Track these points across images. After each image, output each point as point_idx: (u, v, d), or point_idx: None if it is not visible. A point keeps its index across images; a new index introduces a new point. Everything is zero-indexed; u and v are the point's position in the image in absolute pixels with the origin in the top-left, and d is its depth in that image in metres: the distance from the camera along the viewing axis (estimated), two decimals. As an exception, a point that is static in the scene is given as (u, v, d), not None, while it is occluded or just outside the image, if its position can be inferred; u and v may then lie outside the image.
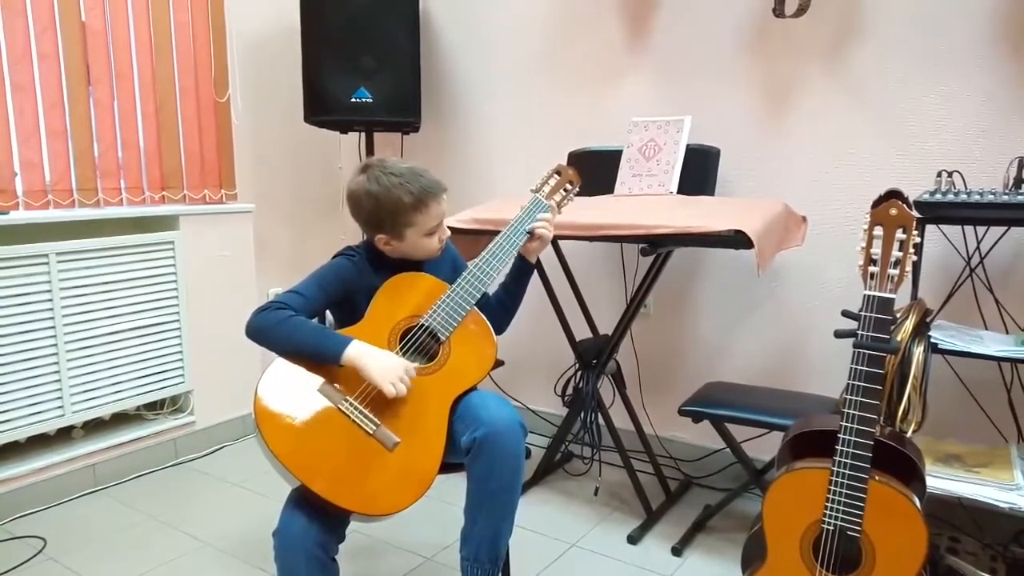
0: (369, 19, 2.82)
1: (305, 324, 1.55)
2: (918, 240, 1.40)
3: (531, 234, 1.76)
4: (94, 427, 2.65)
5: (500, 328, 1.82)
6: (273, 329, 1.53)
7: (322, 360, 1.52)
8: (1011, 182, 1.89)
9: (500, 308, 1.82)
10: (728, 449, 2.22)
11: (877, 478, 1.37)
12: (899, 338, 1.66)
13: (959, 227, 2.09)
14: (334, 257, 1.72)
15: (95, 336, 2.51)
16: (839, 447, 1.38)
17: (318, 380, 1.51)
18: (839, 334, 1.45)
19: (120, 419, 2.72)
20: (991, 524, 2.01)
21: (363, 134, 3.15)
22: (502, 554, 1.56)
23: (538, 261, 1.85)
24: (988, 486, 1.66)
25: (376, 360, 1.51)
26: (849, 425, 1.37)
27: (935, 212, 1.77)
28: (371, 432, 1.47)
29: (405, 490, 1.45)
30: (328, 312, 1.75)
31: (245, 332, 1.56)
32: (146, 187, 2.71)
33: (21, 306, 2.32)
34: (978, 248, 2.08)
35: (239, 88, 3.02)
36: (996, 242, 2.06)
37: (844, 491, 1.37)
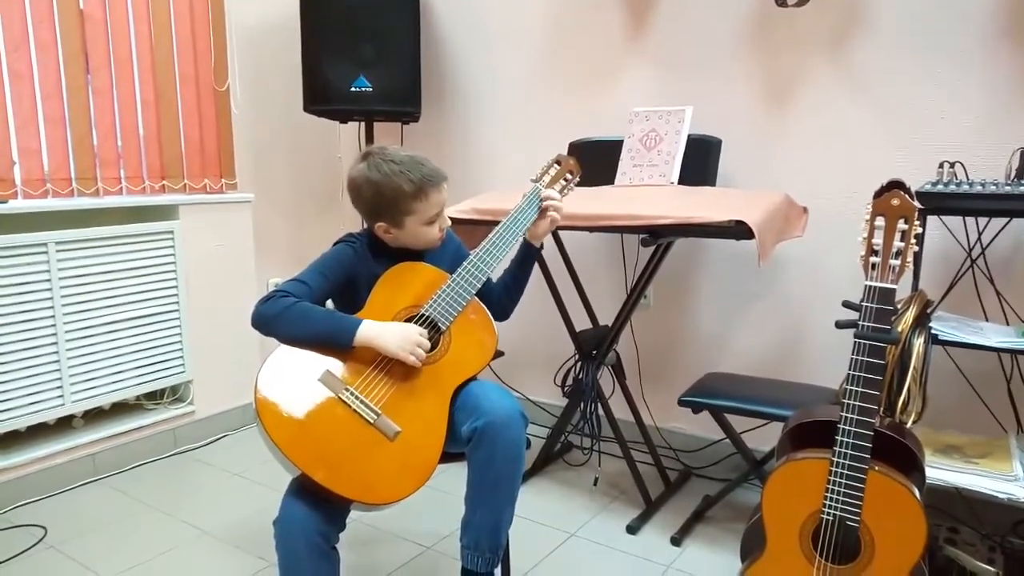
0: (369, 7, 2.81)
1: (313, 309, 1.55)
2: (920, 231, 1.39)
3: (541, 212, 1.77)
4: (94, 416, 2.65)
5: (505, 313, 1.82)
6: (279, 317, 1.53)
7: (334, 343, 1.53)
8: (1013, 173, 1.89)
9: (505, 293, 1.82)
10: (728, 439, 2.22)
11: (877, 469, 1.37)
12: (900, 329, 1.66)
13: (960, 218, 2.09)
14: (335, 244, 1.72)
15: (95, 325, 2.51)
16: (839, 437, 1.38)
17: (319, 369, 1.51)
18: (840, 324, 1.45)
19: (120, 408, 2.72)
20: (990, 515, 2.01)
21: (363, 124, 3.14)
22: (502, 543, 1.57)
23: (541, 247, 1.85)
24: (987, 477, 1.67)
25: (390, 334, 1.53)
26: (849, 416, 1.37)
27: (937, 203, 1.77)
28: (372, 421, 1.47)
29: (406, 479, 1.46)
30: (330, 301, 1.74)
31: (251, 323, 1.55)
32: (146, 176, 2.70)
33: (20, 295, 2.32)
34: (979, 239, 2.08)
35: (239, 77, 3.01)
36: (997, 233, 2.05)
37: (844, 481, 1.37)
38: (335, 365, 1.52)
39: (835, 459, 1.38)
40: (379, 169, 1.62)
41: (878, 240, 1.38)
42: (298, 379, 1.49)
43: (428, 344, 1.56)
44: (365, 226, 1.74)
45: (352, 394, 1.49)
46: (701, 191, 2.29)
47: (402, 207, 1.63)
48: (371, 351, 1.53)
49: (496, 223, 1.74)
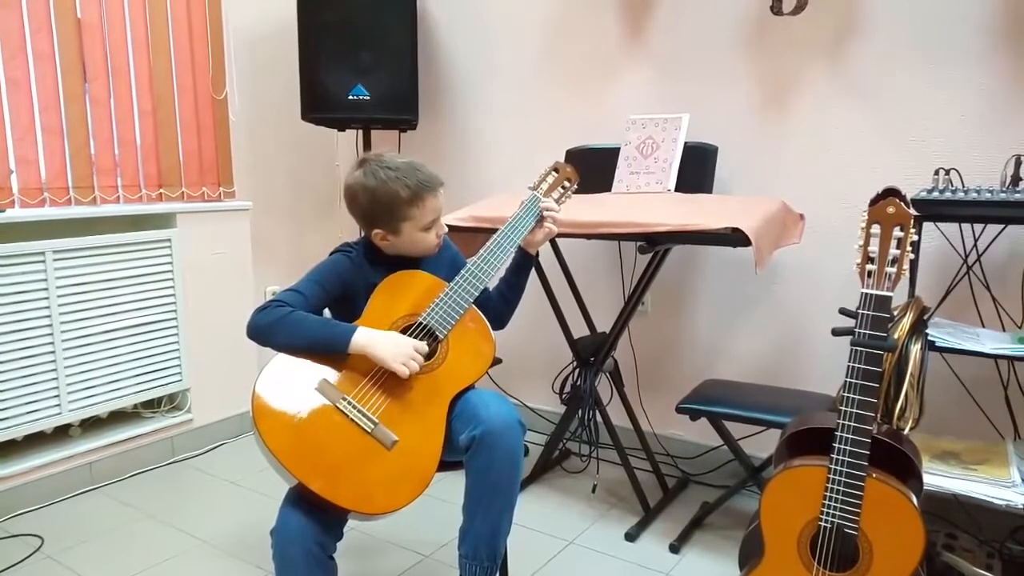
0: (366, 16, 2.81)
1: (307, 318, 1.55)
2: (916, 238, 1.40)
3: (540, 220, 1.78)
4: (91, 425, 2.64)
5: (502, 322, 1.82)
6: (275, 326, 1.53)
7: (329, 350, 1.53)
8: (1008, 180, 1.89)
9: (501, 302, 1.81)
10: (726, 446, 2.22)
11: (874, 475, 1.37)
12: (896, 336, 1.66)
13: (956, 225, 2.09)
14: (331, 254, 1.71)
15: (92, 334, 2.51)
16: (836, 444, 1.38)
17: (316, 378, 1.51)
18: (837, 332, 1.46)
19: (117, 417, 2.71)
20: (987, 521, 2.01)
21: (360, 131, 3.14)
22: (501, 551, 1.56)
23: (536, 255, 1.85)
24: (984, 483, 1.67)
25: (384, 343, 1.52)
26: (846, 423, 1.38)
27: (933, 210, 1.78)
28: (369, 430, 1.47)
29: (403, 488, 1.45)
30: (327, 310, 1.74)
31: (247, 333, 1.55)
32: (143, 185, 2.70)
33: (17, 304, 2.31)
34: (975, 246, 2.08)
35: (236, 85, 3.02)
36: (993, 240, 2.06)
37: (841, 488, 1.37)
38: (332, 374, 1.52)
39: (833, 466, 1.38)
40: (376, 176, 1.62)
41: (874, 248, 1.39)
42: (295, 388, 1.49)
43: (423, 358, 1.55)
44: (362, 235, 1.74)
45: (349, 403, 1.49)
46: (698, 198, 2.30)
47: (399, 213, 1.63)
48: (368, 360, 1.53)
49: (494, 231, 1.74)
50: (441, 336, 1.61)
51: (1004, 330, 2.01)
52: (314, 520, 1.40)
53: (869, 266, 1.39)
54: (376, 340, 1.53)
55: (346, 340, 1.52)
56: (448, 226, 1.83)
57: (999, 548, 1.93)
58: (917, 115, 2.19)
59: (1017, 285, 2.07)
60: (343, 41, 2.82)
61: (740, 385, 2.36)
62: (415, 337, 1.59)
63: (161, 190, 2.75)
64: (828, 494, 1.38)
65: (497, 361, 2.92)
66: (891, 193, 1.39)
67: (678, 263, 2.66)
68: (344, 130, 3.24)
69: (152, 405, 2.82)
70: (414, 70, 2.91)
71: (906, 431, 1.62)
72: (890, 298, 1.39)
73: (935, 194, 1.80)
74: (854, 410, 1.38)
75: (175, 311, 2.74)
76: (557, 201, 1.86)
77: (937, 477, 1.70)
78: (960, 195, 1.77)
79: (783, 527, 1.44)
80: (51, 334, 2.40)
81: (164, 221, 2.72)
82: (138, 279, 2.62)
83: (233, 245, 2.93)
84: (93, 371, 2.52)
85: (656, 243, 2.06)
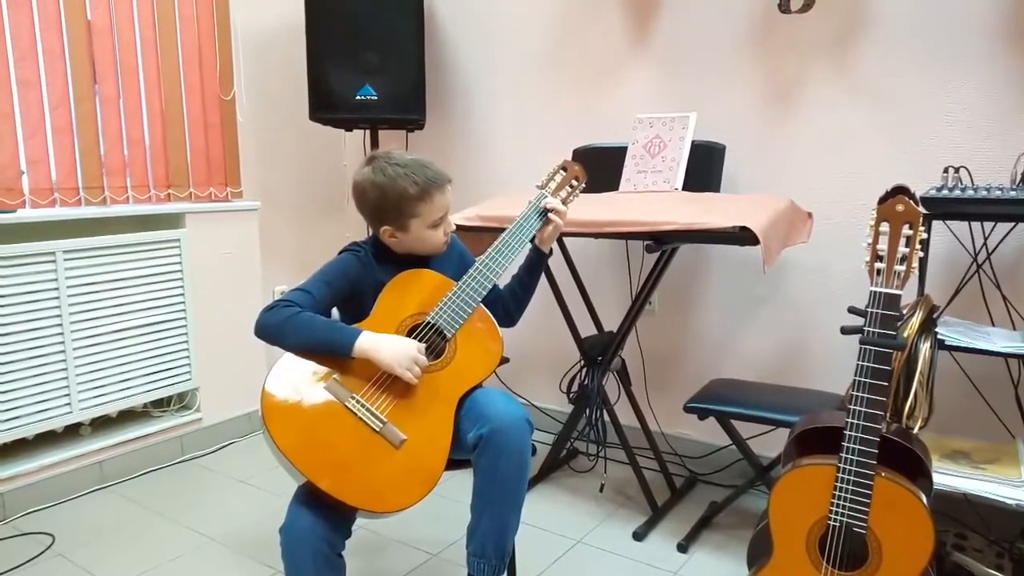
0: (373, 16, 2.82)
1: (314, 319, 1.56)
2: (925, 236, 1.39)
3: (546, 215, 1.77)
4: (101, 424, 2.66)
5: (512, 319, 1.83)
6: (282, 327, 1.54)
7: (333, 353, 1.53)
8: (1018, 178, 1.88)
9: (512, 299, 1.82)
10: (734, 446, 2.21)
11: (883, 474, 1.36)
12: (906, 334, 1.65)
13: (966, 223, 2.08)
14: (340, 253, 1.72)
15: (102, 334, 2.52)
16: (845, 443, 1.37)
17: (325, 377, 1.51)
18: (845, 330, 1.45)
19: (127, 416, 2.73)
20: (998, 521, 2.00)
21: (368, 131, 3.15)
22: (508, 550, 1.57)
23: (550, 253, 1.86)
24: (995, 482, 1.66)
25: (387, 347, 1.52)
26: (855, 422, 1.37)
27: (942, 208, 1.77)
28: (377, 429, 1.48)
29: (412, 487, 1.46)
30: (335, 309, 1.75)
31: (254, 332, 1.57)
32: (152, 185, 2.72)
33: (28, 304, 2.33)
34: (985, 244, 2.07)
35: (244, 86, 3.03)
36: (1003, 238, 2.05)
37: (850, 487, 1.37)
38: (341, 373, 1.53)
39: (841, 465, 1.38)
40: (384, 172, 1.63)
41: (883, 246, 1.38)
42: (304, 387, 1.49)
43: (425, 360, 1.55)
44: (370, 233, 1.75)
45: (358, 402, 1.49)
46: (705, 197, 2.30)
47: (407, 210, 1.63)
48: (375, 361, 1.53)
49: (502, 230, 1.75)
50: (449, 335, 1.61)
51: (1014, 328, 2.00)
52: (323, 518, 1.41)
53: (878, 264, 1.39)
54: (380, 344, 1.53)
55: (349, 344, 1.52)
56: (456, 225, 1.83)
57: (1009, 548, 1.92)
58: (926, 112, 2.18)
59: (1027, 283, 2.06)
60: (350, 41, 2.83)
61: (748, 384, 2.35)
62: (423, 336, 1.60)
63: (169, 190, 2.77)
64: (837, 493, 1.38)
65: (504, 360, 2.92)
66: (900, 191, 1.38)
67: (686, 262, 2.66)
68: (351, 130, 3.25)
69: (161, 404, 2.83)
70: (421, 70, 2.91)
71: (915, 430, 1.61)
72: (899, 296, 1.38)
73: (944, 192, 1.79)
74: (863, 409, 1.37)
75: (184, 311, 2.75)
76: (564, 200, 1.86)
77: (947, 476, 1.69)
78: (970, 193, 1.76)
79: (792, 526, 1.44)
80: (61, 334, 2.41)
81: (173, 221, 2.73)
82: (147, 279, 2.64)
83: (241, 245, 2.94)
84: (103, 370, 2.54)
85: (664, 242, 2.06)
